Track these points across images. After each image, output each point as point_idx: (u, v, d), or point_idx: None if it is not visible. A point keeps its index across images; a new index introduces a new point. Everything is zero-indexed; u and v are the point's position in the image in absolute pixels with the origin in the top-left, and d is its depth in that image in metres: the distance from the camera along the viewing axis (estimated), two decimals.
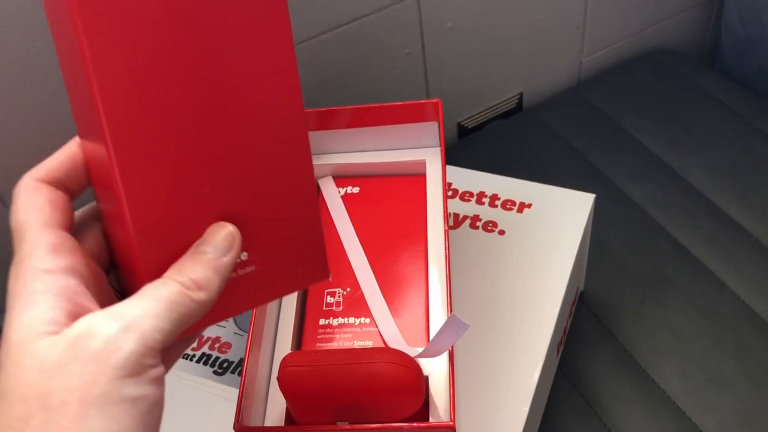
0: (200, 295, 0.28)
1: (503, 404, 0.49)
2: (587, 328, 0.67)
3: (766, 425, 0.60)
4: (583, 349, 0.66)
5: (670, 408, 0.62)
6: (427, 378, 0.42)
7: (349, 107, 0.54)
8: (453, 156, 0.83)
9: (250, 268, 0.32)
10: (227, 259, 0.30)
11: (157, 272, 0.28)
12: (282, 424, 0.43)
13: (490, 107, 0.89)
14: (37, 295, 0.26)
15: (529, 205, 0.60)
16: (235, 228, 0.30)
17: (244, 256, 0.31)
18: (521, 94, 0.90)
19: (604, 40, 0.92)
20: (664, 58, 0.94)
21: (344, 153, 0.56)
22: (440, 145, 0.53)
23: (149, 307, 0.27)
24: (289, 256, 0.33)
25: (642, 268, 0.71)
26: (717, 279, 0.69)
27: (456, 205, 0.61)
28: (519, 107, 0.92)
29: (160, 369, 0.27)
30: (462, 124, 0.88)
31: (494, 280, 0.56)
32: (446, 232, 0.47)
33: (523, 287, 0.55)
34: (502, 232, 0.58)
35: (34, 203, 0.29)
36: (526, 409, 0.49)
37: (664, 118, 0.85)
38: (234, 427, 0.40)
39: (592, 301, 0.69)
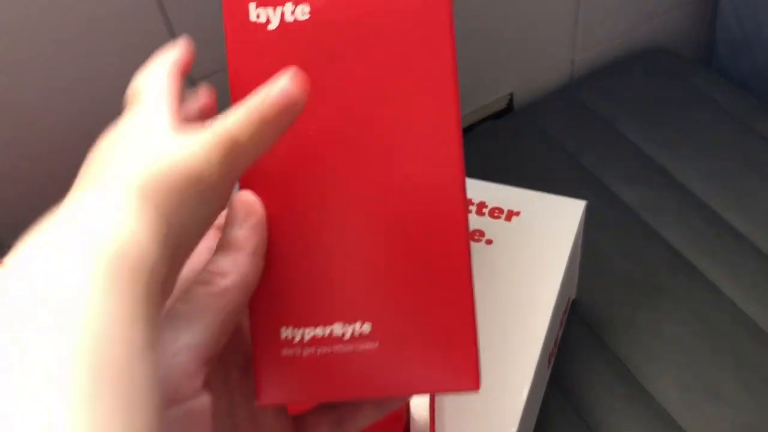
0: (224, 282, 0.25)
1: (493, 420, 0.47)
2: (580, 338, 0.65)
3: None
4: (575, 360, 0.64)
5: (665, 421, 0.60)
6: (408, 403, 0.40)
7: None
8: None
9: (372, 345, 0.27)
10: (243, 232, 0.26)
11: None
12: None
13: (480, 108, 0.87)
14: None
15: (518, 213, 0.58)
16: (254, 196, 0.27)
17: (367, 327, 0.27)
18: (512, 94, 0.88)
19: (597, 38, 0.89)
20: (659, 56, 0.92)
21: None
22: None
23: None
24: (424, 346, 0.27)
25: (636, 274, 0.69)
26: (713, 285, 0.67)
27: None
28: (510, 108, 0.89)
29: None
30: None
31: (481, 292, 0.53)
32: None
33: (511, 299, 0.53)
34: (489, 242, 0.56)
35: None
36: (515, 425, 0.47)
37: (658, 118, 0.83)
38: None
39: (584, 310, 0.67)
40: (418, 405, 0.40)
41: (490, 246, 0.56)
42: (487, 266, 0.55)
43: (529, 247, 0.56)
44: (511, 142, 0.83)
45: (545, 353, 0.54)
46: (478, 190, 0.60)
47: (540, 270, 0.54)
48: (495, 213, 0.58)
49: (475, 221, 0.58)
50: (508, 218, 0.58)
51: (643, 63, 0.91)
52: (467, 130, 0.88)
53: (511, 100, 0.89)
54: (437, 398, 0.46)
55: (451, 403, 0.48)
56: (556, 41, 0.86)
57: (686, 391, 0.61)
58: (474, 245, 0.56)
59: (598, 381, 0.63)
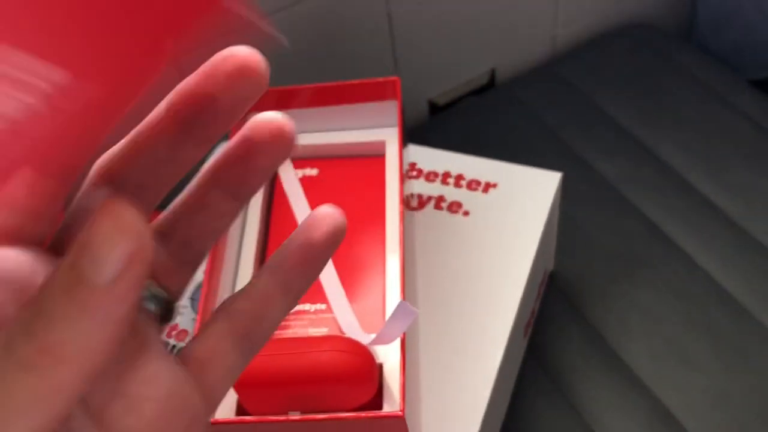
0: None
1: (465, 389, 0.48)
2: (557, 310, 0.66)
3: (735, 406, 0.59)
4: (552, 331, 0.65)
5: (640, 389, 0.61)
6: (381, 366, 0.41)
7: (307, 86, 0.52)
8: (424, 134, 0.82)
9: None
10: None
11: None
12: (233, 415, 0.42)
13: (462, 83, 0.88)
14: None
15: (495, 185, 0.59)
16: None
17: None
18: (493, 69, 0.89)
19: (579, 13, 0.90)
20: (641, 32, 0.92)
21: (304, 133, 0.54)
22: (398, 125, 0.51)
23: None
24: None
25: (613, 247, 0.70)
26: (689, 257, 0.68)
27: (421, 186, 0.59)
28: (492, 83, 0.90)
29: None
30: (433, 101, 0.87)
31: (458, 262, 0.55)
32: (401, 215, 0.46)
33: (487, 268, 0.54)
34: (466, 213, 0.57)
35: None
36: (487, 394, 0.48)
37: (638, 93, 0.84)
38: None
39: (562, 282, 0.68)
40: (392, 373, 0.41)
41: (467, 218, 0.57)
42: (464, 237, 0.56)
43: (506, 218, 0.56)
44: (492, 117, 0.84)
45: (520, 322, 0.55)
46: (456, 163, 0.60)
47: (515, 240, 0.55)
48: (472, 185, 0.59)
49: (453, 193, 0.58)
50: (486, 190, 0.58)
51: (625, 39, 0.91)
52: (450, 105, 0.88)
53: (493, 76, 0.89)
54: (417, 363, 0.47)
55: (430, 367, 0.49)
56: (538, 17, 0.87)
57: (659, 360, 0.62)
58: (452, 217, 0.57)
59: (574, 351, 0.64)
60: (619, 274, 0.68)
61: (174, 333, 0.55)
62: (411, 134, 0.82)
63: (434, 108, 0.87)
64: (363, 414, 0.36)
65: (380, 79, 0.50)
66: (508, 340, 0.51)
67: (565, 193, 0.59)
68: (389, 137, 0.52)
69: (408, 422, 0.39)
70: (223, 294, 0.47)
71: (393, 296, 0.44)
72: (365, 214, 0.50)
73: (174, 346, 0.54)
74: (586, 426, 0.59)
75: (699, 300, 0.66)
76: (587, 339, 0.64)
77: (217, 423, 0.41)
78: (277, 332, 0.44)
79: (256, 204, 0.50)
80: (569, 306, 0.66)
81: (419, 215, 0.58)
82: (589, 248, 0.70)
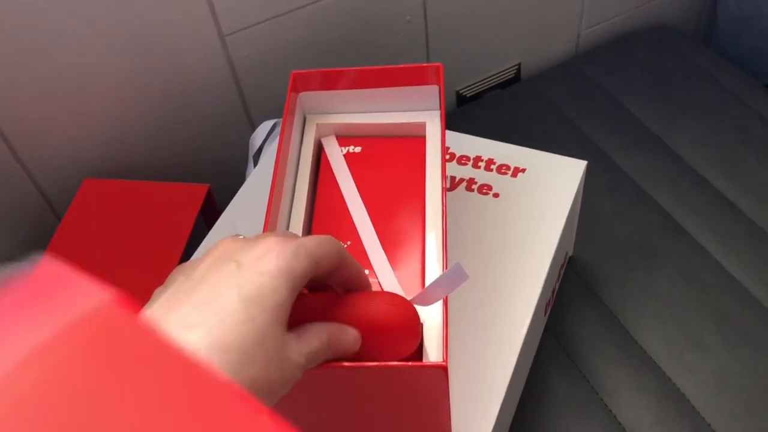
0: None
1: (493, 354, 0.52)
2: (575, 291, 0.70)
3: (741, 385, 0.63)
4: (570, 311, 0.69)
5: (651, 368, 0.65)
6: (422, 324, 0.44)
7: (353, 68, 0.56)
8: (451, 123, 0.85)
9: None
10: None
11: None
12: None
13: (489, 77, 0.91)
14: None
15: (524, 170, 0.62)
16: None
17: None
18: (519, 64, 0.92)
19: (603, 14, 0.93)
20: (662, 34, 0.96)
21: (347, 113, 0.58)
22: (440, 108, 0.55)
23: None
24: None
25: (630, 236, 0.74)
26: (701, 248, 0.72)
27: (453, 169, 0.63)
28: (517, 77, 0.93)
29: None
30: (461, 92, 0.90)
31: (488, 240, 0.58)
32: (443, 191, 0.50)
33: (515, 247, 0.57)
34: (496, 195, 0.61)
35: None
36: (514, 359, 0.52)
37: (657, 92, 0.88)
38: None
39: (580, 266, 0.72)
40: (432, 331, 0.44)
41: (497, 199, 0.61)
42: (493, 218, 0.60)
43: (533, 201, 0.60)
44: (517, 110, 0.87)
45: (543, 297, 0.58)
46: (487, 147, 0.64)
47: (542, 222, 0.59)
48: (502, 169, 0.62)
49: (483, 176, 0.62)
50: (515, 174, 0.62)
51: (646, 39, 0.95)
52: (477, 97, 0.92)
53: (518, 70, 0.93)
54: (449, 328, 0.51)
55: (460, 335, 0.53)
56: (564, 16, 0.90)
57: (671, 342, 0.66)
58: (482, 198, 0.61)
59: (590, 330, 0.67)
60: (634, 260, 0.72)
61: None
62: None
63: (461, 99, 0.91)
64: (410, 363, 0.40)
65: (424, 65, 0.54)
66: (534, 312, 0.54)
67: (585, 183, 0.63)
68: (430, 119, 0.56)
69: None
70: None
71: (432, 264, 0.48)
72: (405, 190, 0.53)
73: None
74: (599, 400, 0.63)
75: (710, 288, 0.69)
76: (603, 320, 0.68)
77: None
78: None
79: (304, 175, 0.54)
80: (587, 289, 0.70)
81: (451, 195, 0.61)
82: (606, 236, 0.74)
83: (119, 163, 0.77)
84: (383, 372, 0.41)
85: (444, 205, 0.49)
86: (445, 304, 0.43)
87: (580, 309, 0.69)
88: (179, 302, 0.32)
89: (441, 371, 0.40)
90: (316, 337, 0.36)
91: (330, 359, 0.38)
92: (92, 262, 0.67)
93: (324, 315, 0.40)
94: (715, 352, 0.65)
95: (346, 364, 0.41)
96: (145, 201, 0.71)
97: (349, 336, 0.38)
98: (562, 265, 0.68)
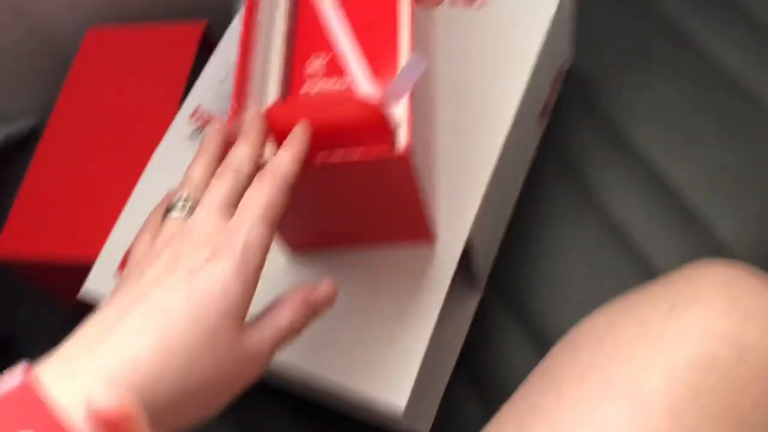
0: None
1: (473, 156, 0.54)
2: (573, 103, 0.70)
3: (734, 177, 0.64)
4: (568, 121, 0.69)
5: (645, 166, 0.66)
6: (396, 125, 0.46)
7: None
8: None
9: None
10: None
11: None
12: None
13: None
14: None
15: None
16: None
17: None
18: None
19: None
20: None
21: None
22: None
23: None
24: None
25: (630, 44, 0.73)
26: (702, 49, 0.71)
27: None
28: None
29: None
30: None
31: (470, 47, 0.59)
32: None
33: (498, 51, 0.58)
34: (484, 2, 0.61)
35: None
36: (495, 158, 0.54)
37: None
38: None
39: (578, 76, 0.72)
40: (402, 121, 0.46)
41: (482, 8, 0.61)
42: (476, 28, 0.60)
43: (517, 7, 0.60)
44: None
45: (530, 102, 0.59)
46: None
47: (526, 27, 0.59)
48: None
49: None
50: None
51: None
52: None
53: None
54: (431, 134, 0.53)
55: (442, 138, 0.55)
56: None
57: (666, 140, 0.67)
58: (465, 12, 0.61)
59: (589, 139, 0.68)
60: (633, 66, 0.71)
61: (196, 115, 0.61)
62: None
63: None
64: (373, 156, 0.42)
65: None
66: (515, 116, 0.55)
67: None
68: None
69: (424, 181, 0.45)
70: (254, 83, 0.52)
71: (405, 52, 0.48)
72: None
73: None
74: (594, 202, 0.65)
75: (709, 87, 0.69)
76: (599, 126, 0.69)
77: None
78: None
79: None
80: (585, 98, 0.70)
81: (437, 9, 0.61)
82: (606, 44, 0.73)
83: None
84: (352, 168, 0.43)
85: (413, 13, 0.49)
86: (411, 95, 0.44)
87: (577, 118, 0.70)
88: (127, 308, 0.34)
89: (404, 161, 0.42)
90: (277, 319, 0.37)
91: (307, 323, 0.39)
92: (102, 108, 0.70)
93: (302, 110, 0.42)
94: (711, 145, 0.66)
95: (317, 164, 0.43)
96: (146, 43, 0.73)
97: (321, 292, 0.39)
98: (557, 77, 0.68)
